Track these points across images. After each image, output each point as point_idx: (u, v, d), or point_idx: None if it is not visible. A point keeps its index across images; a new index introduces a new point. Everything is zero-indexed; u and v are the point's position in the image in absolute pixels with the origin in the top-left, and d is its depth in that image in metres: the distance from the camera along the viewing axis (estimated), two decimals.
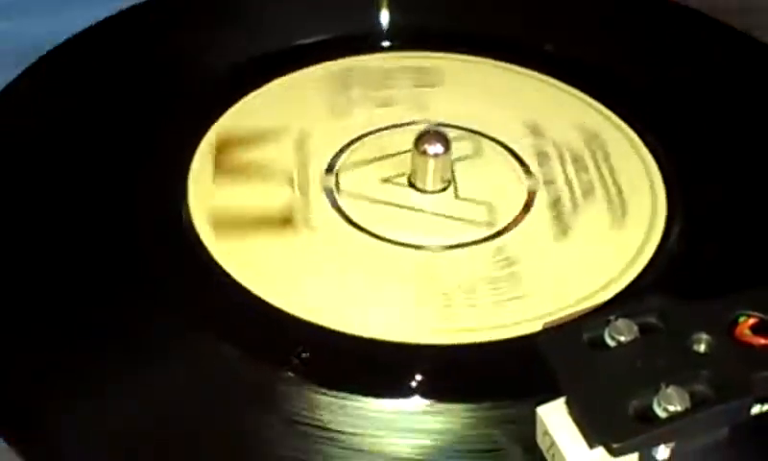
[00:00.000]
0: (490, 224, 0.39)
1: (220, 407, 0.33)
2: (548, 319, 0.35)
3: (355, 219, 0.39)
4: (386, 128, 0.43)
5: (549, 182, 0.41)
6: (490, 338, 0.35)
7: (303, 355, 0.34)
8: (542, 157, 0.42)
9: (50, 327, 0.35)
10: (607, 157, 0.42)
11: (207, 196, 0.40)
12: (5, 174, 0.41)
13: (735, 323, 0.31)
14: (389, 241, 0.38)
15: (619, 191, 0.41)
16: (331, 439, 0.32)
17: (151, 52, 0.47)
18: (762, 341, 0.31)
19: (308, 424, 0.32)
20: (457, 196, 0.40)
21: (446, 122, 0.43)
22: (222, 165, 0.41)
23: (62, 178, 0.40)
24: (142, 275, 0.37)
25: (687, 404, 0.29)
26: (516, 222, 0.39)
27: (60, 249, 0.38)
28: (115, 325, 0.35)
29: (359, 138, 0.42)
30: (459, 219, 0.39)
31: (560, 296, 0.36)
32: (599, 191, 0.41)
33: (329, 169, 0.41)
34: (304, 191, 0.40)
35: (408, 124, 0.43)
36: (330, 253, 0.38)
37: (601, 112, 0.44)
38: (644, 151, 0.42)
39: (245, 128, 0.43)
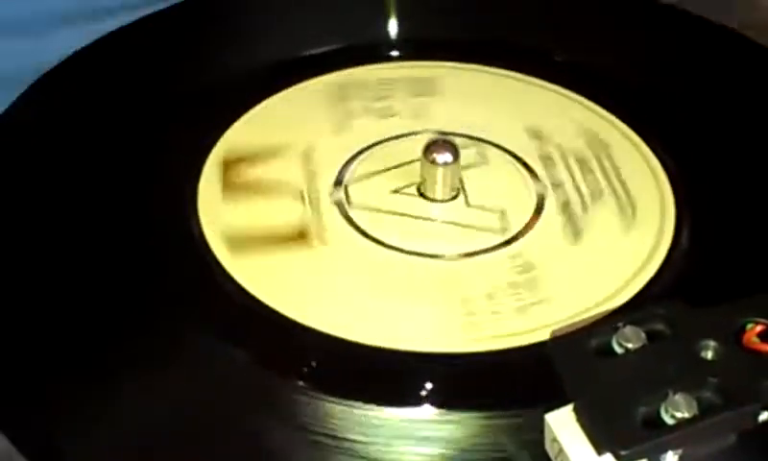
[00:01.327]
0: (503, 230, 0.39)
1: (228, 415, 0.33)
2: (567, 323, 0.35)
3: (368, 230, 0.39)
4: (391, 138, 0.43)
5: (557, 186, 0.41)
6: (508, 345, 0.35)
7: (313, 365, 0.35)
8: (548, 161, 0.42)
9: (54, 334, 0.36)
10: (612, 161, 0.42)
11: (218, 210, 0.40)
12: (11, 181, 0.41)
13: (743, 330, 0.31)
14: (402, 251, 0.38)
15: (627, 194, 0.41)
16: (343, 448, 0.32)
17: (154, 66, 0.47)
18: None
19: (319, 433, 0.33)
20: (467, 204, 0.40)
21: (449, 130, 0.43)
22: (230, 183, 0.41)
23: (71, 188, 0.41)
24: (147, 280, 0.37)
25: (695, 411, 0.29)
26: (528, 227, 0.39)
27: (69, 258, 0.38)
28: (119, 330, 0.36)
29: (366, 149, 0.42)
30: (471, 226, 0.39)
31: (579, 300, 0.36)
32: (607, 194, 0.41)
33: (338, 182, 0.41)
34: (315, 204, 0.40)
35: (412, 134, 0.43)
36: (344, 264, 0.38)
37: (604, 117, 0.44)
38: (649, 154, 0.43)
39: (250, 144, 0.43)
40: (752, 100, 0.45)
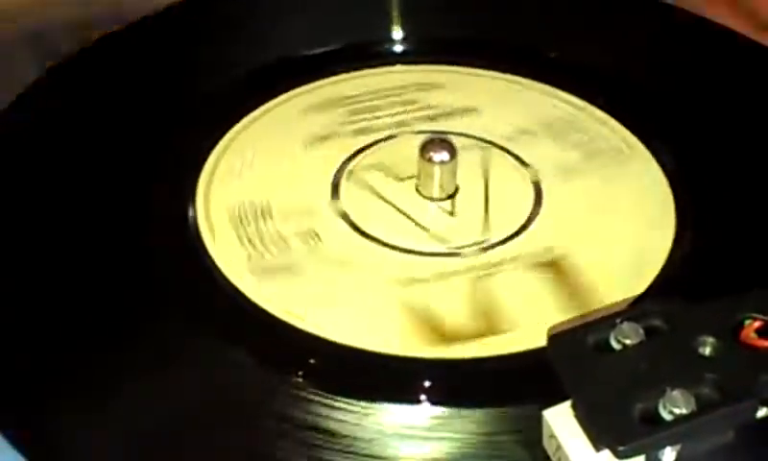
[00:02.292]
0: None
1: (227, 415, 0.33)
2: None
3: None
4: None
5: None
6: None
7: (312, 364, 0.35)
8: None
9: (54, 333, 0.36)
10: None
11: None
12: (10, 181, 0.41)
13: (741, 326, 0.31)
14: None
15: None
16: (342, 447, 0.32)
17: (155, 66, 0.47)
18: None
19: (319, 433, 0.33)
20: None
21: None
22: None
23: (70, 189, 0.41)
24: (145, 278, 0.37)
25: (693, 407, 0.29)
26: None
27: (69, 258, 0.38)
28: (118, 327, 0.36)
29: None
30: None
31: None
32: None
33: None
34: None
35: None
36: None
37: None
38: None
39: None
40: (752, 100, 0.45)
